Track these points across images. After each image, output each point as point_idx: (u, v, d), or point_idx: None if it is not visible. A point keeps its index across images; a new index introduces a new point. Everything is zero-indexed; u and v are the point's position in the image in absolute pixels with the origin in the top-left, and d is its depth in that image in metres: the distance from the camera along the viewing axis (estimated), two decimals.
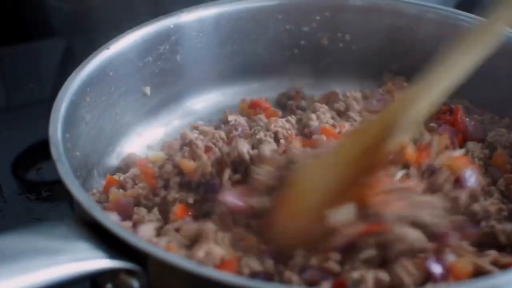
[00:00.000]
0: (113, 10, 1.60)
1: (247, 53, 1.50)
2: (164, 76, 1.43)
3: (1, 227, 1.35)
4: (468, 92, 1.42)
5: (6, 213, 1.40)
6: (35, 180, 1.50)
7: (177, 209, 1.18)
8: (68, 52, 1.82)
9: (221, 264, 1.05)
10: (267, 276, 1.04)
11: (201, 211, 1.19)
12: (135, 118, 1.41)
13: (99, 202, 1.23)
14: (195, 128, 1.42)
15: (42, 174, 1.50)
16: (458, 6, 1.67)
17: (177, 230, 1.14)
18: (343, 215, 1.03)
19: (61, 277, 0.92)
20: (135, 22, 1.39)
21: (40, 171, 1.50)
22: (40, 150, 1.52)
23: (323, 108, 1.39)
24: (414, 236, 1.03)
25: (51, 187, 1.45)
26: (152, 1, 1.56)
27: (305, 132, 1.34)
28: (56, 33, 1.77)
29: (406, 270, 1.00)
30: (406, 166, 1.22)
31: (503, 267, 1.06)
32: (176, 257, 0.96)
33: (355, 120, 1.38)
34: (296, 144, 1.24)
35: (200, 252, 1.06)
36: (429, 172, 1.21)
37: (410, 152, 1.23)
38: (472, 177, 1.20)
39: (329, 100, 1.45)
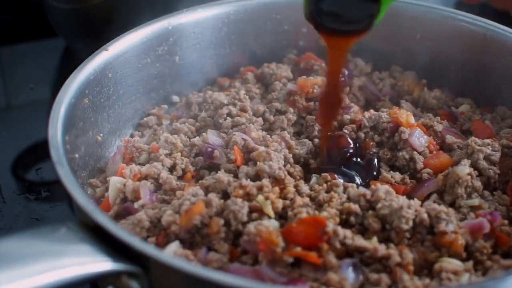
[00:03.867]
0: (113, 10, 1.60)
1: (246, 54, 1.50)
2: (163, 77, 1.43)
3: (1, 227, 1.36)
4: (471, 92, 1.44)
5: (6, 213, 1.40)
6: (34, 180, 1.50)
7: None
8: (68, 52, 1.83)
9: None
10: None
11: None
12: (134, 119, 1.41)
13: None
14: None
15: (42, 174, 1.50)
16: (458, 6, 1.67)
17: None
18: None
19: (62, 281, 0.92)
20: (135, 22, 1.39)
21: (40, 171, 1.51)
22: (40, 150, 1.53)
23: None
24: None
25: (51, 187, 1.46)
26: (152, 1, 1.56)
27: None
28: (56, 33, 1.77)
29: None
30: None
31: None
32: (177, 260, 0.96)
33: None
34: None
35: None
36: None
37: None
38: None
39: None
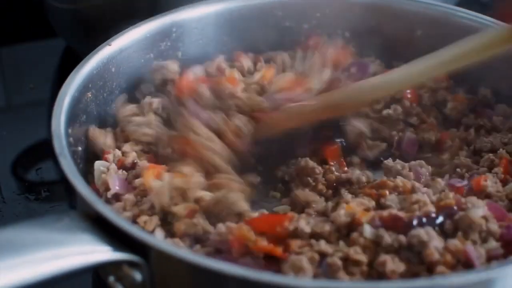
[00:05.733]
0: (113, 10, 1.60)
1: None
2: None
3: (1, 227, 1.35)
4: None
5: (6, 213, 1.39)
6: (34, 180, 1.49)
7: None
8: (68, 52, 1.83)
9: None
10: None
11: None
12: None
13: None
14: None
15: (42, 174, 1.49)
16: (459, 4, 1.67)
17: None
18: None
19: (64, 269, 0.92)
20: (135, 22, 1.39)
21: (40, 171, 1.50)
22: (40, 150, 1.54)
23: None
24: None
25: (51, 187, 1.45)
26: (152, 1, 1.56)
27: None
28: (56, 33, 1.77)
29: None
30: None
31: None
32: (179, 249, 0.96)
33: None
34: None
35: None
36: None
37: None
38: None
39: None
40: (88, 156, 1.25)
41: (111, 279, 0.98)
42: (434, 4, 1.46)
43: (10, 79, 1.80)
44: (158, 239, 0.99)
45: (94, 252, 0.95)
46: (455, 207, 1.06)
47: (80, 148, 1.21)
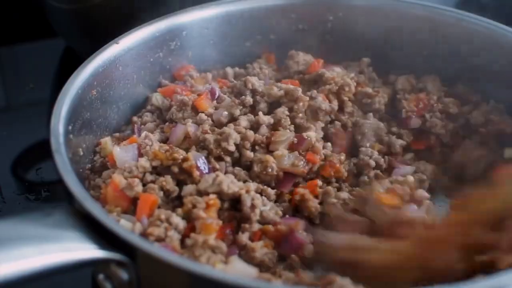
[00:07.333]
0: (113, 10, 1.59)
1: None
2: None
3: None
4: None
5: (6, 213, 1.38)
6: (34, 180, 1.48)
7: None
8: (68, 52, 1.83)
9: None
10: None
11: None
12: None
13: None
14: None
15: (42, 175, 1.49)
16: (457, 6, 1.68)
17: None
18: None
19: (49, 266, 0.92)
20: (135, 22, 1.39)
21: (40, 171, 1.49)
22: (40, 150, 1.52)
23: None
24: None
25: (51, 187, 1.44)
26: (152, 1, 1.56)
27: None
28: (56, 33, 1.77)
29: None
30: None
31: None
32: (164, 251, 0.96)
33: None
34: None
35: None
36: None
37: None
38: None
39: None
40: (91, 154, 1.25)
41: (101, 277, 0.98)
42: (443, 8, 1.45)
43: (10, 79, 1.80)
44: (144, 240, 0.97)
45: (80, 249, 0.94)
46: None
47: (81, 146, 1.21)
